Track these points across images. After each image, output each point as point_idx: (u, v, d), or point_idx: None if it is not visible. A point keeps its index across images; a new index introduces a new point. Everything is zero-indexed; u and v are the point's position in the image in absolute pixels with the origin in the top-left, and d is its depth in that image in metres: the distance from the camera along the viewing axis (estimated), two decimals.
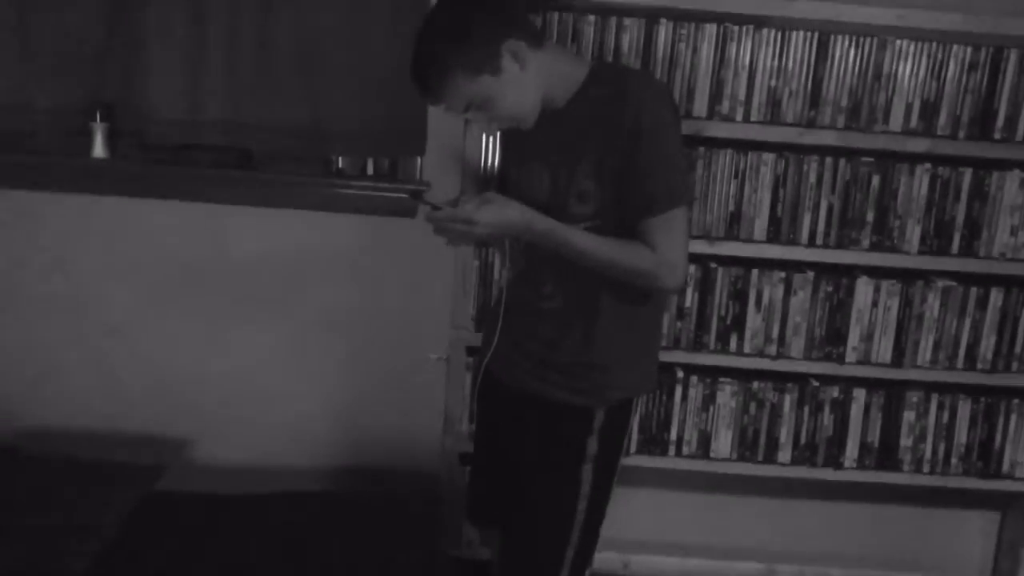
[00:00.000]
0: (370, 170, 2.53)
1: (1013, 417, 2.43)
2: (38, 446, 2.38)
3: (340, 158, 2.52)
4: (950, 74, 2.27)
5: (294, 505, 2.22)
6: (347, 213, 2.50)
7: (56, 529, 1.88)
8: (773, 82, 2.26)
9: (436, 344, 2.43)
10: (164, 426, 2.59)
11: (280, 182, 2.50)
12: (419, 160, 2.46)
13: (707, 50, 2.24)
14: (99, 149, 2.44)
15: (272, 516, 2.16)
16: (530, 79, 1.70)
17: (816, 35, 2.25)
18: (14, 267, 2.54)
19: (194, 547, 1.98)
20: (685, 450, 2.43)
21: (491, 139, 2.24)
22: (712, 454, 2.43)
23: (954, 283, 2.36)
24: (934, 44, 2.26)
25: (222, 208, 2.51)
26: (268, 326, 2.57)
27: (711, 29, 2.24)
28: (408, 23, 2.31)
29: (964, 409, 2.42)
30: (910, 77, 2.27)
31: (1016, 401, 2.43)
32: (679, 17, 2.22)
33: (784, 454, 2.44)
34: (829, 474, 2.45)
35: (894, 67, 2.27)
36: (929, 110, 2.28)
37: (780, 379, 2.42)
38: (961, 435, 2.43)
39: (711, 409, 2.41)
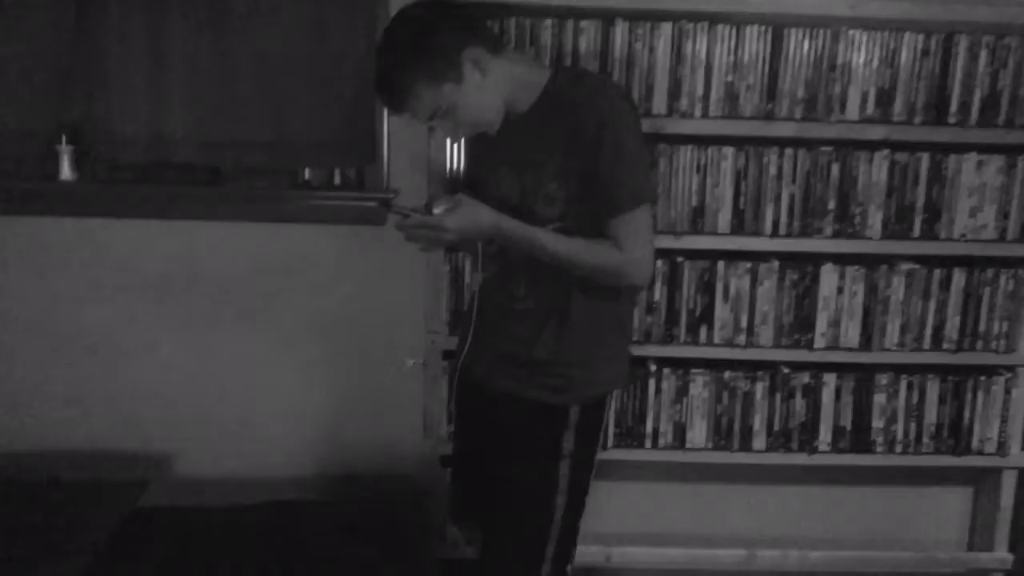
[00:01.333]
0: (337, 180, 2.57)
1: (980, 394, 2.47)
2: (20, 469, 2.37)
3: (306, 170, 2.54)
4: (903, 61, 2.31)
5: (279, 514, 2.23)
6: (317, 224, 2.51)
7: (42, 553, 1.88)
8: (730, 77, 2.29)
9: (412, 349, 2.45)
10: (146, 442, 2.59)
11: (248, 196, 2.52)
12: (386, 167, 2.48)
13: (663, 48, 2.26)
14: (66, 171, 2.46)
15: (258, 526, 2.17)
16: (492, 85, 1.73)
17: (770, 29, 2.28)
18: None
19: (180, 561, 1.99)
20: (661, 442, 2.46)
21: (456, 144, 2.26)
22: (688, 444, 2.46)
23: (917, 266, 2.40)
24: (886, 33, 2.29)
25: (193, 225, 2.52)
26: (245, 339, 2.58)
27: (667, 28, 2.26)
28: (365, 31, 2.35)
29: (933, 389, 2.46)
30: (864, 66, 2.30)
31: (983, 378, 2.47)
32: (634, 17, 2.25)
33: (759, 441, 2.47)
34: (804, 459, 2.48)
35: (848, 57, 2.30)
36: (885, 98, 2.32)
37: (751, 368, 2.45)
38: (931, 414, 2.47)
39: (684, 400, 2.44)
